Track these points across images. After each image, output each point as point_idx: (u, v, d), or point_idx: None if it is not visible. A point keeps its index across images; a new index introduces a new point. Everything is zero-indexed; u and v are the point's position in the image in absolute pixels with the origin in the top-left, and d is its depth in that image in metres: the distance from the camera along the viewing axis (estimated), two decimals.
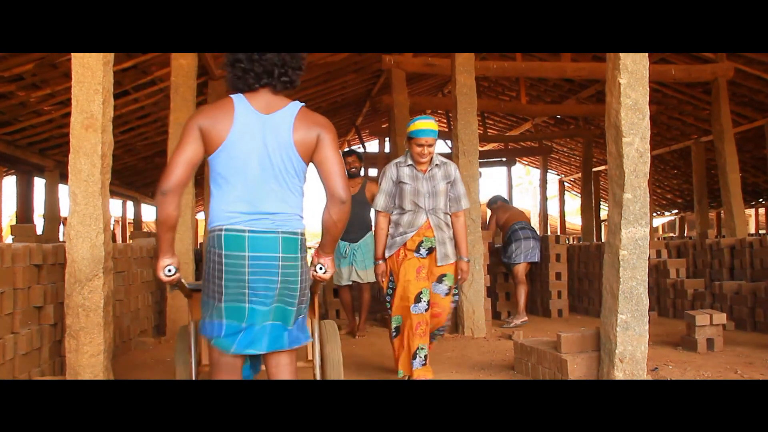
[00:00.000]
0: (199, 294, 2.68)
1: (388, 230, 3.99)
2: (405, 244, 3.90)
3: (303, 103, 2.47)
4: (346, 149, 6.95)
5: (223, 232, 2.34)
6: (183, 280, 2.65)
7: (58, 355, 4.14)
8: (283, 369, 2.46)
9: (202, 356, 3.18)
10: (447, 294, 3.97)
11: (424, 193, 3.91)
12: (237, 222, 2.34)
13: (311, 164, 2.46)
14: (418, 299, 3.78)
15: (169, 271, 2.41)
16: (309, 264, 2.55)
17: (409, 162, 3.94)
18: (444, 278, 3.96)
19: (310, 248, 2.67)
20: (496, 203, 7.83)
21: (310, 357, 3.28)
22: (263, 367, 2.67)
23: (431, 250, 3.91)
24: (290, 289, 2.41)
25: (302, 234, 2.48)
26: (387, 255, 3.97)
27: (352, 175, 6.30)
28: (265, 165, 2.35)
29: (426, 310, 3.79)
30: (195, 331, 3.00)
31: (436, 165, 3.95)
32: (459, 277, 4.06)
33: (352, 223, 5.97)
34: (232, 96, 2.40)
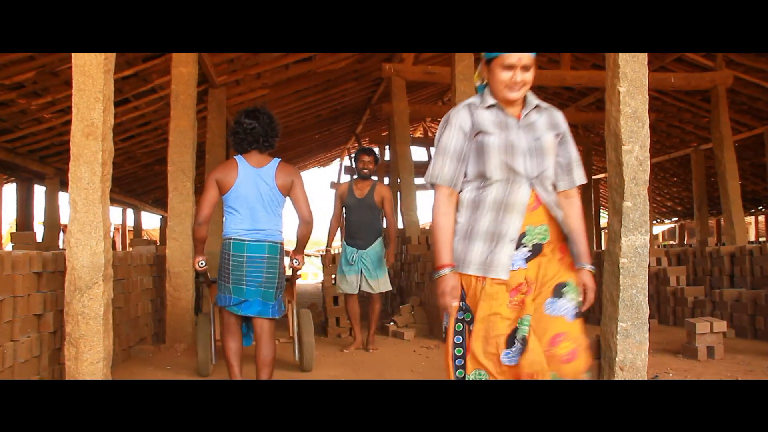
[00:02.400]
0: (217, 285, 3.89)
1: (455, 218, 2.35)
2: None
3: (280, 159, 3.76)
4: (365, 147, 6.22)
5: (231, 241, 3.63)
6: (208, 273, 4.00)
7: (57, 362, 4.13)
8: (265, 331, 3.70)
9: (216, 333, 4.31)
10: (576, 316, 2.32)
11: (522, 150, 2.29)
12: (241, 235, 3.62)
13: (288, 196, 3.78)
14: (511, 341, 2.22)
15: (201, 263, 3.83)
16: (285, 262, 3.80)
17: (490, 101, 2.36)
18: (565, 289, 2.32)
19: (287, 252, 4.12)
20: None
21: (291, 335, 4.67)
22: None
23: (537, 250, 2.29)
24: (271, 277, 3.65)
25: (281, 243, 3.75)
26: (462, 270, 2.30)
27: (363, 177, 5.79)
28: (258, 199, 3.64)
29: (520, 356, 2.19)
30: (213, 312, 4.38)
31: (535, 108, 2.40)
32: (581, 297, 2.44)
33: (360, 228, 5.76)
34: (235, 157, 3.72)
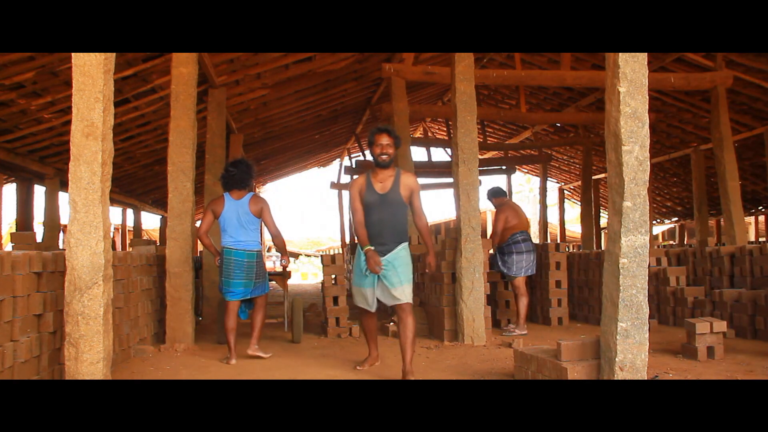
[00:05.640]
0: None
1: None
2: None
3: (253, 192, 5.52)
4: (381, 126, 4.71)
5: (224, 249, 5.38)
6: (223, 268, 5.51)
7: (57, 363, 4.13)
8: (258, 302, 5.54)
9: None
10: None
11: None
12: (230, 245, 5.37)
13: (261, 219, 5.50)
14: None
15: (219, 262, 5.46)
16: (264, 262, 5.58)
17: None
18: None
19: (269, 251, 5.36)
20: (502, 198, 7.53)
21: (286, 316, 6.84)
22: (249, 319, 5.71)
23: None
24: (250, 272, 5.38)
25: (257, 251, 5.44)
26: None
27: (382, 164, 4.58)
28: (239, 222, 5.37)
29: None
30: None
31: None
32: None
33: (382, 231, 4.61)
34: (224, 194, 5.47)
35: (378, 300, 4.66)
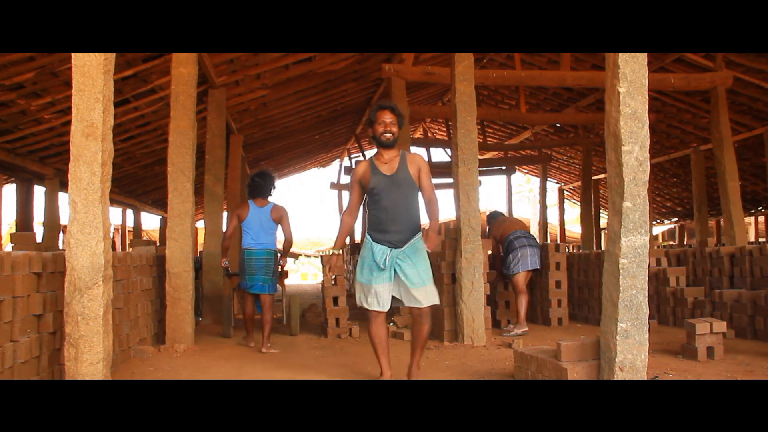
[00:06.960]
0: (235, 277, 6.59)
1: None
2: None
3: (274, 202, 6.18)
4: (383, 103, 4.32)
5: (245, 249, 6.06)
6: (229, 269, 6.54)
7: (57, 363, 4.13)
8: (266, 301, 6.08)
9: (234, 309, 7.04)
10: None
11: None
12: (251, 246, 6.05)
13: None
14: None
15: (225, 263, 6.29)
16: (278, 262, 6.22)
17: None
18: None
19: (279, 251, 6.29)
20: (494, 219, 7.87)
21: (285, 311, 7.81)
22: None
23: None
24: (268, 270, 6.06)
25: (275, 251, 6.15)
26: None
27: (385, 144, 4.19)
28: (260, 226, 6.06)
29: None
30: (230, 296, 7.06)
31: None
32: None
33: (395, 217, 4.13)
34: (249, 201, 6.17)
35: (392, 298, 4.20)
